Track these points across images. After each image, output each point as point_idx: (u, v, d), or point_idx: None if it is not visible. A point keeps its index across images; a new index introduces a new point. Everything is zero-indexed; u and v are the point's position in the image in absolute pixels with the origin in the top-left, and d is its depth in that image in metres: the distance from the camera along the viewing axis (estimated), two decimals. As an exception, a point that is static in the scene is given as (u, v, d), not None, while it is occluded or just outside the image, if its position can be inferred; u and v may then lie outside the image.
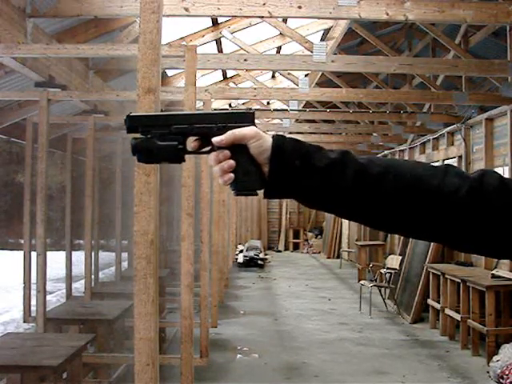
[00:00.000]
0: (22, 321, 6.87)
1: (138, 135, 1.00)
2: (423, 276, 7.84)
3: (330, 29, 7.33)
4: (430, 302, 7.56)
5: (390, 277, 8.86)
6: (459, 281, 6.57)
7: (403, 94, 8.19)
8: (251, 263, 14.34)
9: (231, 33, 7.22)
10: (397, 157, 11.87)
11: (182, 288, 4.26)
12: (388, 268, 8.98)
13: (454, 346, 6.65)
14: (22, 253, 6.85)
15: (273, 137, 0.98)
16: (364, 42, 8.77)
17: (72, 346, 3.69)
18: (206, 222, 5.71)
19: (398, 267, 8.79)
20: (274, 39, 8.27)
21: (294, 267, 14.97)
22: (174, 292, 7.23)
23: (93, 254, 7.30)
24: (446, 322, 7.04)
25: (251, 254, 14.58)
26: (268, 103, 10.59)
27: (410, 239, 8.33)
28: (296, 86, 7.23)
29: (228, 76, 9.71)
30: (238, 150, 0.97)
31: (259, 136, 0.98)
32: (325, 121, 10.81)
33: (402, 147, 11.62)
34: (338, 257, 15.87)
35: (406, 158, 11.18)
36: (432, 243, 7.55)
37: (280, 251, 19.80)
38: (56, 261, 8.67)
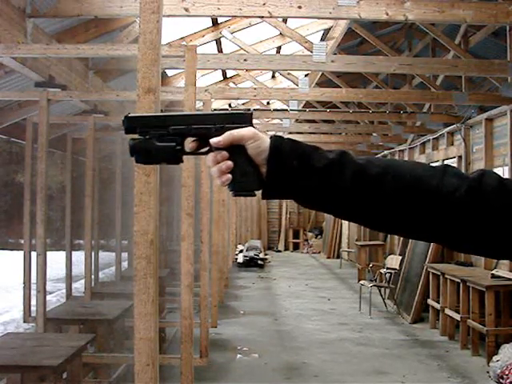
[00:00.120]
0: (22, 321, 6.86)
1: (136, 136, 1.00)
2: (423, 276, 7.84)
3: (329, 29, 7.33)
4: (429, 301, 7.56)
5: (390, 277, 8.86)
6: (459, 281, 6.57)
7: (403, 93, 8.19)
8: (251, 263, 14.34)
9: (231, 33, 7.22)
10: (397, 157, 11.87)
11: (182, 288, 4.26)
12: (388, 268, 8.98)
13: (453, 346, 6.65)
14: (22, 253, 6.84)
15: (271, 137, 0.99)
16: (364, 42, 8.77)
17: (72, 346, 3.69)
18: (206, 222, 5.71)
19: (397, 267, 8.79)
20: (273, 39, 8.27)
21: (294, 267, 14.97)
22: (174, 292, 7.23)
23: (93, 254, 7.30)
24: (446, 322, 7.04)
25: (251, 253, 14.59)
26: (268, 103, 10.59)
27: (410, 239, 8.33)
28: (296, 86, 7.23)
29: (228, 76, 9.71)
30: (236, 150, 0.97)
31: (257, 137, 0.98)
32: (325, 121, 10.81)
33: (401, 147, 11.62)
34: (338, 257, 15.87)
35: (406, 158, 11.18)
36: (432, 243, 7.55)
37: (280, 251, 19.80)
38: (56, 261, 8.68)
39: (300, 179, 0.97)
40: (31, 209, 6.64)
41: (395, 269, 8.81)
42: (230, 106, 10.12)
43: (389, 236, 11.91)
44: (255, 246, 15.46)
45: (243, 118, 1.00)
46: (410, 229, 1.01)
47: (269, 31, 7.72)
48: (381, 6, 4.12)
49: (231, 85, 9.63)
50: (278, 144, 0.98)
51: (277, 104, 10.53)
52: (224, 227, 9.71)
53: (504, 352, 5.37)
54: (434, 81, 7.83)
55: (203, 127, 1.00)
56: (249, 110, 8.58)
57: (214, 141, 0.98)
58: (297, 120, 10.00)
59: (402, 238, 9.35)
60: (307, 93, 7.11)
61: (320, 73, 8.28)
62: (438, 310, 7.25)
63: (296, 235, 20.29)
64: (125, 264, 9.58)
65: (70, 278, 7.44)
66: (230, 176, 0.98)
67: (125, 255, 9.56)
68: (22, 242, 7.20)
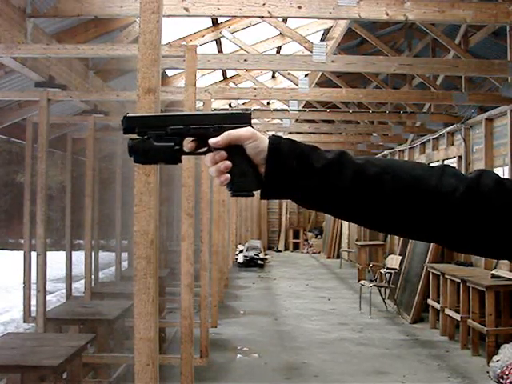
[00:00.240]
0: (22, 321, 6.86)
1: (135, 136, 1.00)
2: (423, 276, 7.84)
3: (329, 29, 7.33)
4: (429, 301, 7.56)
5: (390, 277, 8.86)
6: (459, 281, 6.57)
7: (403, 93, 8.19)
8: (251, 263, 14.34)
9: (231, 33, 7.23)
10: (397, 157, 11.88)
11: (182, 288, 4.26)
12: (388, 268, 8.98)
13: (453, 346, 6.65)
14: (22, 253, 6.85)
15: (269, 137, 0.99)
16: (364, 42, 8.77)
17: (72, 345, 3.69)
18: (206, 222, 5.71)
19: (397, 267, 8.79)
20: (273, 39, 8.27)
21: (294, 267, 14.97)
22: (174, 292, 7.23)
23: (93, 253, 7.30)
24: (446, 322, 7.04)
25: (251, 253, 14.59)
26: (268, 103, 10.59)
27: (410, 239, 8.32)
28: (296, 86, 7.23)
29: (228, 76, 9.71)
30: (235, 150, 0.97)
31: (255, 137, 0.98)
32: (325, 121, 10.81)
33: (401, 147, 11.62)
34: (338, 257, 15.87)
35: (406, 158, 11.19)
36: (432, 243, 7.55)
37: (280, 251, 19.80)
38: (56, 261, 8.67)
39: (299, 179, 0.97)
40: (31, 209, 6.64)
41: (395, 269, 8.81)
42: (230, 106, 10.12)
43: (389, 236, 11.91)
44: (255, 246, 15.46)
45: (242, 118, 1.00)
46: (409, 229, 1.01)
47: (269, 31, 7.72)
48: (381, 6, 4.12)
49: (231, 85, 9.63)
50: (277, 144, 0.98)
51: (277, 104, 10.53)
52: (224, 227, 9.71)
53: (504, 352, 5.37)
54: (434, 81, 7.83)
55: (202, 127, 1.00)
56: (248, 110, 8.59)
57: (212, 141, 0.98)
58: (297, 120, 10.00)
59: (401, 238, 9.35)
60: (307, 93, 7.12)
61: (320, 73, 8.28)
62: (438, 310, 7.25)
63: (296, 235, 20.29)
64: (125, 264, 9.57)
65: (70, 278, 7.44)
66: (228, 176, 0.98)
67: (125, 255, 9.56)
68: (22, 241, 7.20)
